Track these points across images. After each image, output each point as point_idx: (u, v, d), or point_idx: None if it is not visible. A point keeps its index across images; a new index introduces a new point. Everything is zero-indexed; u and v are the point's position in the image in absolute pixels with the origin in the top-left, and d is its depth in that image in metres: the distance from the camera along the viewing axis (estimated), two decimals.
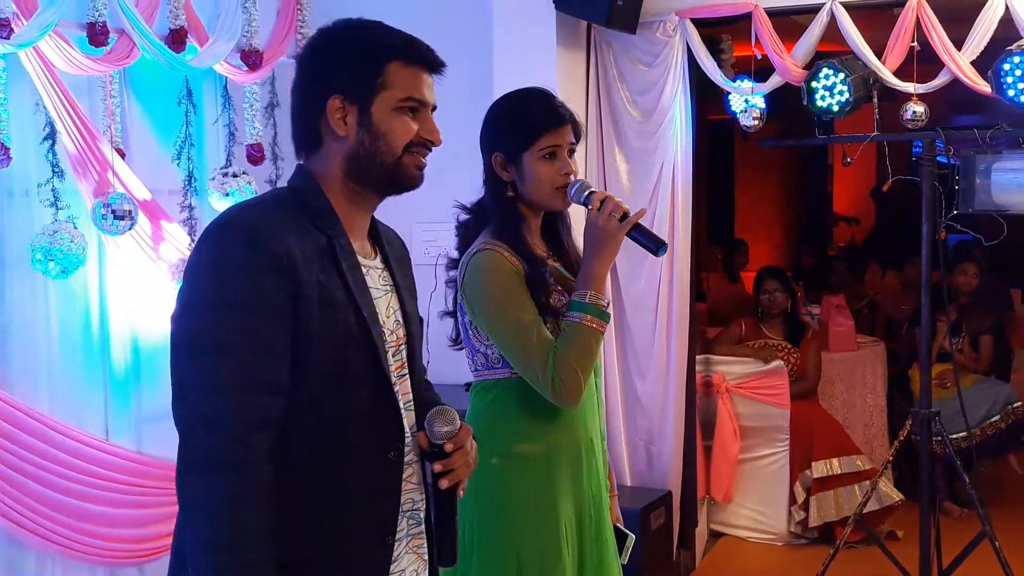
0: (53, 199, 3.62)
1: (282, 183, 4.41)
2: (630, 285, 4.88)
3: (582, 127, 2.75)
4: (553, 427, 2.61)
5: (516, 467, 2.60)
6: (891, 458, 4.61)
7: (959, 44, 4.20)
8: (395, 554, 1.95)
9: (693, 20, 4.65)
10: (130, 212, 3.70)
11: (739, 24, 4.65)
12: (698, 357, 5.41)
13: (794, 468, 5.59)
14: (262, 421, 1.78)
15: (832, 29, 4.40)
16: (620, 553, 2.79)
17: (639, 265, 4.80)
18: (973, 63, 4.20)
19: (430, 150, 2.00)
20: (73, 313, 3.79)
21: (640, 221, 2.55)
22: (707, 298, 8.04)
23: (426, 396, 2.13)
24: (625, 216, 2.51)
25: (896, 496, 5.43)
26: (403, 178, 1.98)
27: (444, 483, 1.97)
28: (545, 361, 2.49)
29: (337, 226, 1.92)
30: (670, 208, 4.76)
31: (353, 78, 1.92)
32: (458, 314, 2.70)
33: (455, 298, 2.71)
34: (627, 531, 2.85)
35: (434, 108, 2.00)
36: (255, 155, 4.39)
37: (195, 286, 1.82)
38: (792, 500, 5.59)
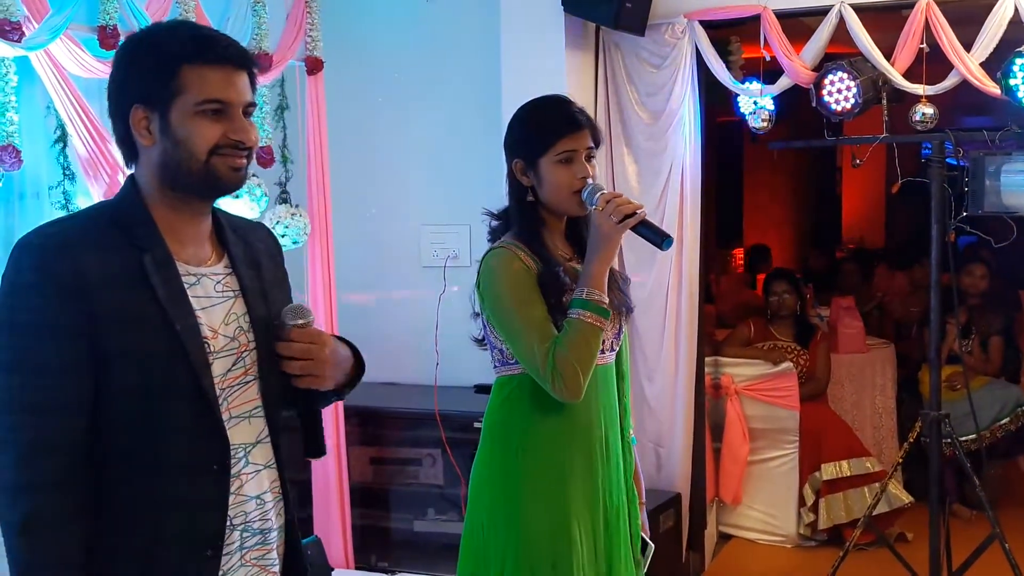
0: (64, 201, 3.63)
1: (292, 185, 4.47)
2: (638, 287, 4.87)
3: (602, 133, 2.77)
4: (567, 424, 2.65)
5: (528, 463, 2.64)
6: (901, 460, 4.59)
7: (968, 46, 4.19)
8: (224, 568, 1.92)
9: (701, 22, 4.65)
10: None
11: (747, 26, 4.64)
12: (707, 359, 5.41)
13: (803, 470, 5.58)
14: (50, 443, 1.77)
15: (841, 31, 4.39)
16: (641, 562, 2.82)
17: (648, 267, 4.81)
18: (982, 65, 4.19)
19: (244, 150, 1.91)
20: None
21: (646, 218, 2.58)
22: (716, 300, 8.03)
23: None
24: (630, 215, 2.54)
25: (906, 498, 5.42)
26: (216, 182, 1.90)
27: (294, 368, 1.95)
28: (545, 356, 2.53)
29: (154, 238, 1.88)
30: (679, 210, 4.76)
31: (148, 86, 1.86)
32: (481, 313, 2.76)
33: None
34: (649, 540, 2.87)
35: (251, 105, 1.93)
36: (264, 157, 4.40)
37: None
38: (801, 502, 5.58)
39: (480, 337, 2.80)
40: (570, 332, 2.54)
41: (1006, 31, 4.15)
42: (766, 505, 5.63)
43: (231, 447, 1.91)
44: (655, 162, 4.82)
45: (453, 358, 4.89)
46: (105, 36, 3.64)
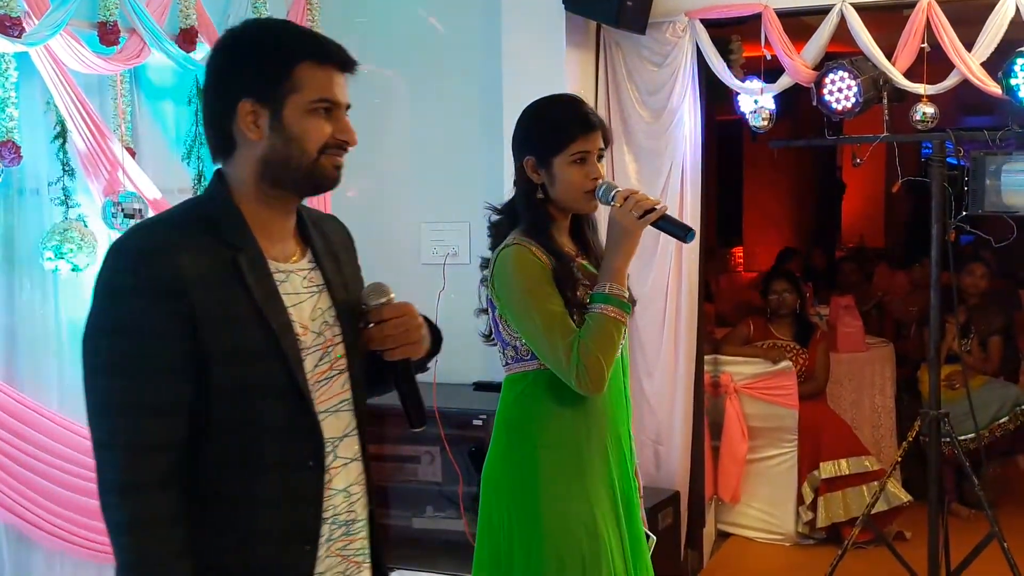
0: (64, 197, 3.64)
1: None
2: (639, 285, 4.84)
3: (611, 133, 2.79)
4: (582, 419, 2.69)
5: (547, 457, 2.68)
6: (899, 459, 4.60)
7: (969, 46, 4.19)
8: (318, 560, 1.94)
9: (703, 20, 4.64)
10: (140, 211, 3.72)
11: (748, 25, 4.64)
12: (706, 357, 5.41)
13: (802, 469, 5.58)
14: (155, 443, 1.78)
15: (842, 30, 4.39)
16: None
17: (648, 265, 4.80)
18: (983, 64, 4.19)
19: (346, 150, 1.95)
20: (82, 311, 3.79)
21: (667, 212, 2.64)
22: (715, 299, 8.03)
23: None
24: (650, 211, 2.59)
25: (904, 497, 5.42)
26: (320, 180, 1.94)
27: (389, 342, 1.99)
28: (569, 350, 2.57)
29: (246, 236, 1.89)
30: (679, 208, 4.75)
31: (263, 81, 1.87)
32: (489, 310, 2.78)
33: (488, 295, 2.78)
34: (649, 532, 2.91)
35: (348, 107, 1.96)
36: None
37: (92, 309, 1.84)
38: (800, 501, 5.58)
39: (488, 333, 2.83)
40: (594, 327, 2.59)
41: (1007, 31, 4.14)
42: (765, 503, 5.63)
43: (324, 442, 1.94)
44: (655, 160, 4.82)
45: (452, 355, 4.84)
46: (105, 32, 3.64)
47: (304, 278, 1.97)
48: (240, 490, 1.86)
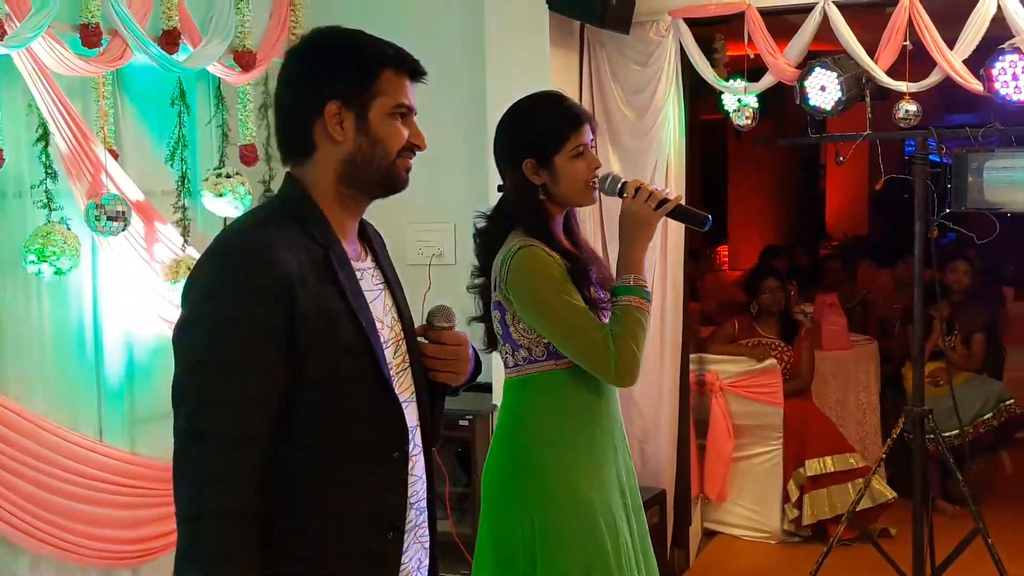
0: (46, 200, 3.62)
1: (276, 184, 4.45)
2: None
3: (596, 122, 2.82)
4: (595, 417, 2.75)
5: (564, 457, 2.70)
6: (884, 456, 4.61)
7: (951, 43, 4.21)
8: (405, 546, 2.00)
9: (686, 20, 4.65)
10: (123, 213, 3.70)
11: (732, 24, 4.65)
12: (692, 356, 5.42)
13: (787, 466, 5.60)
14: (251, 437, 1.82)
15: (824, 28, 4.40)
16: None
17: None
18: (965, 62, 4.21)
19: (415, 154, 2.07)
20: (66, 314, 3.79)
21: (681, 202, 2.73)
22: (700, 298, 8.04)
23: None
24: (664, 202, 2.66)
25: (889, 494, 5.44)
26: (395, 181, 2.04)
27: (438, 365, 2.10)
28: (605, 343, 2.61)
29: (331, 235, 1.96)
30: None
31: (350, 85, 1.96)
32: (496, 314, 2.77)
33: (485, 303, 2.80)
34: None
35: (415, 113, 2.07)
36: (248, 156, 4.39)
37: (195, 307, 1.87)
38: (785, 498, 5.60)
39: (488, 340, 2.83)
40: (625, 319, 2.64)
41: (989, 28, 4.16)
42: (750, 501, 5.65)
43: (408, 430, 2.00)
44: (640, 159, 4.82)
45: None
46: (87, 34, 3.62)
47: (372, 276, 2.06)
48: (329, 478, 1.90)
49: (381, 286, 2.07)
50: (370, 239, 2.13)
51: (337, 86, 1.96)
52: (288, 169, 2.04)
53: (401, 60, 2.02)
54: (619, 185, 2.71)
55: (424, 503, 2.09)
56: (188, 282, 1.91)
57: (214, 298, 1.84)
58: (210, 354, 1.82)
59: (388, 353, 2.00)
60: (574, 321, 2.63)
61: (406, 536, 2.01)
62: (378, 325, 1.99)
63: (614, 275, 2.78)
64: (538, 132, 2.73)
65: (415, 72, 2.04)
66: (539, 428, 2.74)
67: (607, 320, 2.69)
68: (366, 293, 1.99)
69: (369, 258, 2.09)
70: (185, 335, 1.86)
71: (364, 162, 1.98)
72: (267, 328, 1.82)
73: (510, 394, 2.81)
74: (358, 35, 2.05)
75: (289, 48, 2.10)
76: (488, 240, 2.80)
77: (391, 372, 1.99)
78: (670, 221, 2.88)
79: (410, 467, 2.00)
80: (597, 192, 2.76)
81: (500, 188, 2.85)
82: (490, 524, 2.78)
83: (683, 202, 2.73)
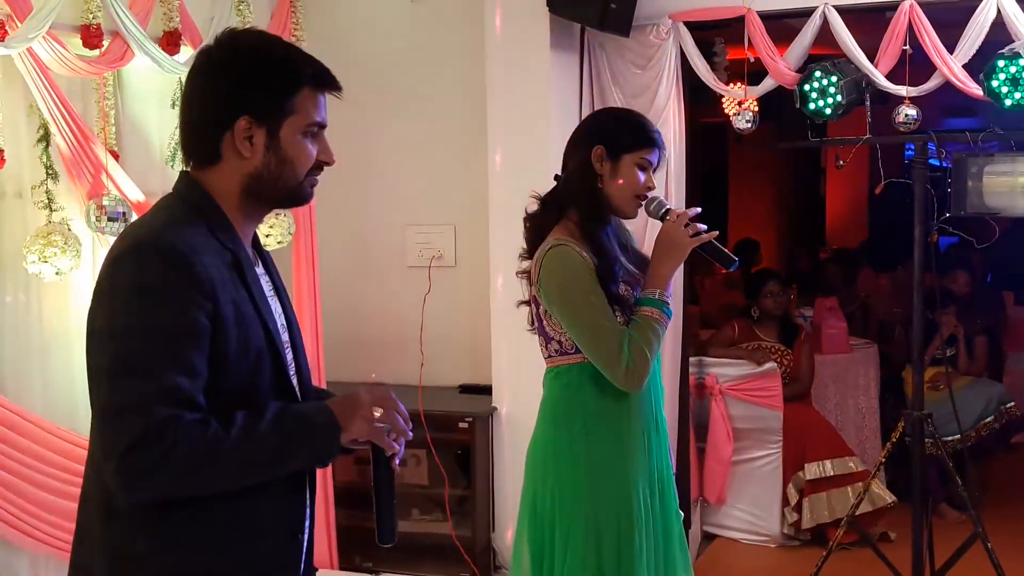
0: (47, 201, 3.63)
1: None
2: None
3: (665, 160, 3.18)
4: (625, 406, 2.88)
5: (592, 444, 2.87)
6: (883, 460, 4.61)
7: (951, 48, 4.21)
8: (303, 550, 2.02)
9: (686, 23, 4.66)
10: (124, 214, 3.71)
11: (732, 27, 4.65)
12: (691, 359, 5.42)
13: (787, 470, 5.59)
14: (183, 391, 1.78)
15: (825, 32, 4.41)
16: None
17: None
18: (965, 66, 4.21)
19: (323, 170, 2.01)
20: (66, 315, 3.79)
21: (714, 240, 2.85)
22: (700, 301, 8.04)
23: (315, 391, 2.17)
24: (698, 234, 2.82)
25: (889, 498, 5.43)
26: (299, 198, 2.00)
27: (396, 462, 2.10)
28: (620, 346, 2.77)
29: (237, 239, 1.93)
30: None
31: (264, 101, 1.90)
32: (532, 304, 2.97)
33: (530, 289, 2.96)
34: (679, 511, 3.10)
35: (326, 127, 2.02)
36: None
37: (117, 309, 1.79)
38: (785, 502, 5.59)
39: (532, 323, 3.00)
40: (643, 328, 2.80)
41: (989, 33, 4.17)
42: (750, 505, 5.64)
43: None
44: None
45: (438, 358, 4.89)
46: (88, 35, 3.63)
47: (265, 282, 2.03)
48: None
49: (272, 292, 2.05)
50: (260, 247, 2.09)
51: (250, 101, 1.89)
52: (187, 169, 1.98)
53: (319, 79, 1.95)
54: (663, 210, 2.89)
55: (311, 507, 2.09)
56: (104, 283, 1.84)
57: (139, 299, 1.77)
58: (141, 358, 1.75)
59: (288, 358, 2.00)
60: (594, 321, 2.78)
61: (305, 541, 2.03)
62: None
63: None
64: (620, 127, 2.93)
65: (334, 89, 1.99)
66: (568, 418, 2.90)
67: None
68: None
69: (260, 265, 2.05)
70: (110, 340, 1.78)
71: (271, 179, 1.93)
72: (196, 329, 1.78)
73: (546, 383, 2.98)
74: (276, 47, 1.98)
75: (202, 48, 2.01)
76: (538, 223, 2.96)
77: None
78: None
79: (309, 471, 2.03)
80: (640, 209, 2.91)
81: (557, 177, 2.98)
82: (527, 502, 2.97)
83: (715, 239, 2.86)
